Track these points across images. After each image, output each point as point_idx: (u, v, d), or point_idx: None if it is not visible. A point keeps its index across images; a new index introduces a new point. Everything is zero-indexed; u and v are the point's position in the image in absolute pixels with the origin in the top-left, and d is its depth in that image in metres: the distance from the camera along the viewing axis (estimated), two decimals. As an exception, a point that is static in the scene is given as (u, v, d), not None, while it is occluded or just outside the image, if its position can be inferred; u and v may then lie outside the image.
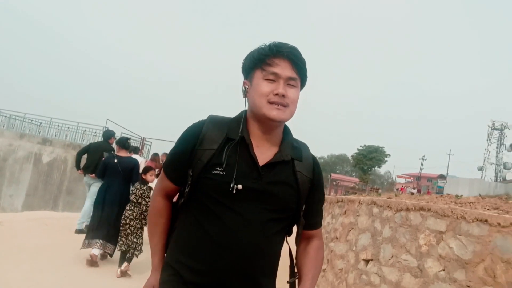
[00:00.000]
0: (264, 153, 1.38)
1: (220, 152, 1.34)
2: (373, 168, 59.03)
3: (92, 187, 7.35)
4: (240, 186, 1.30)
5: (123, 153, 6.04)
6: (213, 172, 1.32)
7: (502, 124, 57.96)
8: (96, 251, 5.32)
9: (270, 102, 1.33)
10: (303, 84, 1.41)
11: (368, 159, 54.16)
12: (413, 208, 4.17)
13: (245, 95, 1.40)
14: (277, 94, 1.32)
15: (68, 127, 16.36)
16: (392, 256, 4.24)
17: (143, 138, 16.06)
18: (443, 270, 3.61)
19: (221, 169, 1.32)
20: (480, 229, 3.44)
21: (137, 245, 5.12)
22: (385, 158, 54.75)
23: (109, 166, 5.82)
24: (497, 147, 58.71)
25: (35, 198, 14.83)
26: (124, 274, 5.09)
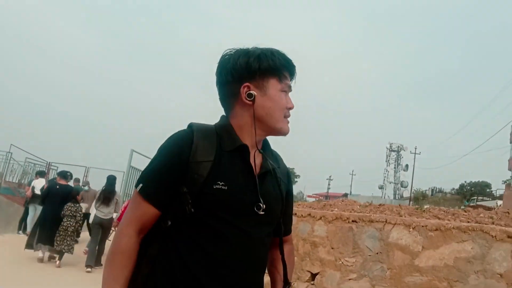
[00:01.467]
0: (255, 162, 1.28)
1: (220, 164, 1.21)
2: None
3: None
4: (264, 206, 1.22)
5: (63, 182, 8.16)
6: (214, 187, 1.18)
7: (398, 146, 64.27)
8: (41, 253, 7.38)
9: (286, 117, 1.30)
10: None
11: (280, 181, 56.16)
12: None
13: (252, 101, 1.25)
14: (290, 108, 1.30)
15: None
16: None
17: (49, 162, 16.10)
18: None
19: (222, 183, 1.18)
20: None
21: (71, 247, 7.30)
22: (295, 179, 57.53)
23: (51, 191, 7.97)
24: (395, 167, 64.83)
25: None
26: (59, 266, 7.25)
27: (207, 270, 1.18)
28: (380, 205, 4.85)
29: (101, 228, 7.79)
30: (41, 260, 7.30)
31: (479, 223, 3.47)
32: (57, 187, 8.00)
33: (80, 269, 7.14)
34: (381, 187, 64.17)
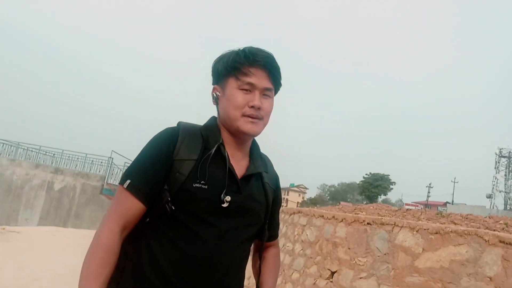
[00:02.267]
0: (238, 164, 1.28)
1: (199, 164, 1.21)
2: (379, 196, 59.47)
3: None
4: (229, 198, 1.20)
5: None
6: (194, 185, 1.18)
7: (510, 152, 58.50)
8: None
9: (245, 115, 1.23)
10: (276, 92, 1.33)
11: (374, 187, 54.83)
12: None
13: (216, 102, 1.29)
14: (252, 107, 1.22)
15: (78, 158, 18.39)
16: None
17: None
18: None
19: (202, 182, 1.19)
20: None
21: None
22: (391, 186, 55.47)
23: None
24: (505, 175, 59.08)
25: (47, 221, 16.58)
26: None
27: (176, 268, 1.17)
28: (407, 210, 4.98)
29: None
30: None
31: (475, 228, 3.55)
32: None
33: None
34: (489, 196, 58.84)
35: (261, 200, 1.33)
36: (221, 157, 1.25)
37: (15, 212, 17.12)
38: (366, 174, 56.45)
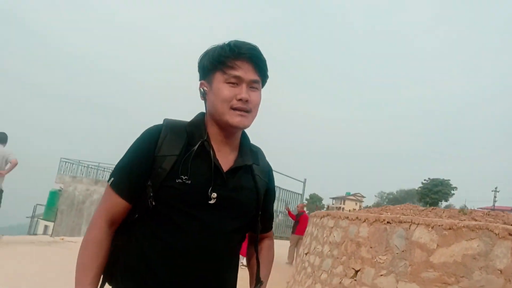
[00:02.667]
0: (225, 157, 1.30)
1: (182, 159, 1.22)
2: (439, 202, 57.22)
3: None
4: (215, 195, 1.22)
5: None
6: (177, 180, 1.20)
7: None
8: None
9: (233, 108, 1.23)
10: (263, 84, 1.32)
11: (434, 193, 52.78)
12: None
13: (203, 97, 1.30)
14: (240, 100, 1.23)
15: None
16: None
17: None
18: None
19: (185, 177, 1.20)
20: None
21: None
22: (452, 191, 53.17)
23: None
24: None
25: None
26: None
27: (163, 261, 1.21)
28: (432, 209, 5.00)
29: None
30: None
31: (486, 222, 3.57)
32: None
33: None
34: None
35: (250, 192, 1.33)
36: (205, 153, 1.26)
37: (78, 225, 18.38)
38: (424, 180, 54.41)
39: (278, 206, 17.40)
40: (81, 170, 20.32)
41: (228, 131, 1.30)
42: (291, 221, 13.74)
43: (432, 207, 5.01)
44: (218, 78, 1.26)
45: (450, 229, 3.72)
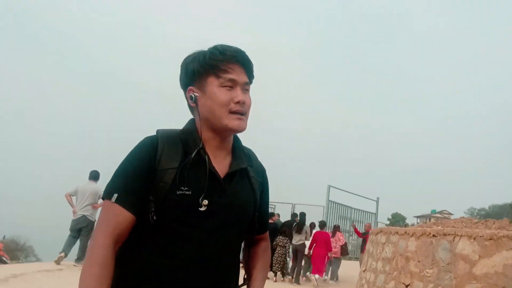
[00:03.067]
0: (220, 163, 1.28)
1: (182, 170, 1.21)
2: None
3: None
4: (206, 202, 1.20)
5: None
6: (178, 193, 1.19)
7: None
8: None
9: (231, 112, 1.23)
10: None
11: (530, 207, 48.18)
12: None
13: (195, 103, 1.26)
14: (238, 102, 1.23)
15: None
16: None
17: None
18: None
19: (186, 188, 1.19)
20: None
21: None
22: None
23: None
24: None
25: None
26: None
27: (167, 271, 1.20)
28: (485, 220, 4.89)
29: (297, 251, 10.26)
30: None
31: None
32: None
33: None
34: None
35: (248, 195, 1.32)
36: (202, 161, 1.24)
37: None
38: (517, 192, 49.79)
39: (349, 226, 17.17)
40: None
41: (224, 135, 1.29)
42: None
43: (486, 219, 4.89)
44: (213, 82, 1.24)
45: (490, 239, 3.69)
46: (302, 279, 10.28)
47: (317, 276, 9.54)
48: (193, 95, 1.27)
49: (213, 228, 1.24)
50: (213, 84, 1.24)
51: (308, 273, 10.46)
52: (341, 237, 11.93)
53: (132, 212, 1.19)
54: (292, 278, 10.08)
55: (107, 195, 1.21)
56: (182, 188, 1.20)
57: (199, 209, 1.21)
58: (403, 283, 4.80)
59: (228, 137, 1.31)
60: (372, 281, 5.67)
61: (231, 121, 1.23)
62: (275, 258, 9.89)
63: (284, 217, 13.77)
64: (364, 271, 6.50)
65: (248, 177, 1.35)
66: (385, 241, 5.57)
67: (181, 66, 1.32)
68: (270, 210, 16.91)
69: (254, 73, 1.32)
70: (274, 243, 9.86)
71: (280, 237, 10.13)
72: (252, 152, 1.46)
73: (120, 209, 1.19)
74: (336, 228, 12.38)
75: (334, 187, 17.21)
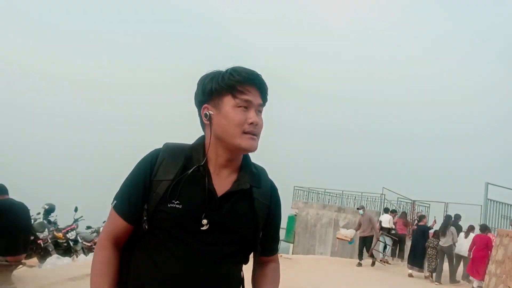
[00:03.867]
0: (222, 181, 1.31)
1: (176, 183, 1.26)
2: None
3: None
4: (205, 221, 1.24)
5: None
6: (169, 205, 1.24)
7: None
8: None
9: (244, 132, 1.26)
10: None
11: None
12: None
13: (209, 121, 1.29)
14: (251, 123, 1.27)
15: (355, 197, 20.66)
16: None
17: (413, 201, 18.28)
18: None
19: (177, 202, 1.24)
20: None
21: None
22: None
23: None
24: None
25: (337, 254, 18.98)
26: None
27: (154, 284, 1.24)
28: None
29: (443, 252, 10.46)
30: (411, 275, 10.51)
31: None
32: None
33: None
34: None
35: (247, 217, 1.32)
36: (201, 177, 1.27)
37: (312, 246, 20.44)
38: None
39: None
40: (311, 196, 22.67)
41: (235, 154, 1.32)
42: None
43: None
44: (229, 102, 1.27)
45: None
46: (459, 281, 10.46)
47: (475, 282, 9.39)
48: (208, 113, 1.30)
49: (201, 246, 1.25)
50: (229, 104, 1.27)
51: (470, 277, 10.33)
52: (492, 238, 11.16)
53: (126, 220, 1.28)
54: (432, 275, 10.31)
55: (112, 202, 1.34)
56: (174, 201, 1.24)
57: (201, 228, 1.24)
58: (509, 286, 4.68)
59: (237, 156, 1.34)
60: (487, 284, 5.53)
61: (244, 141, 1.27)
62: (427, 259, 10.36)
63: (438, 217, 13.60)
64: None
65: (251, 198, 1.34)
66: (499, 243, 5.39)
67: (197, 84, 1.35)
68: (422, 211, 16.55)
69: (268, 97, 1.36)
70: (426, 244, 10.40)
71: (432, 239, 10.53)
72: (264, 172, 1.44)
73: (116, 215, 1.30)
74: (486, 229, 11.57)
75: (492, 184, 15.67)
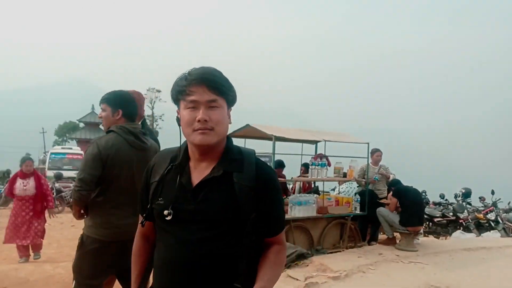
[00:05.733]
0: (200, 172, 1.40)
1: (159, 183, 1.43)
2: None
3: None
4: (165, 212, 1.36)
5: None
6: (156, 202, 1.41)
7: None
8: None
9: (195, 130, 1.34)
10: (230, 100, 1.41)
11: None
12: None
13: (179, 124, 1.40)
14: (199, 121, 1.32)
15: None
16: None
17: None
18: None
19: (161, 198, 1.40)
20: None
21: None
22: None
23: None
24: None
25: None
26: None
27: (157, 270, 1.45)
28: None
29: None
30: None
31: None
32: None
33: None
34: None
35: (225, 201, 1.35)
36: (182, 172, 1.41)
37: None
38: None
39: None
40: None
41: (200, 149, 1.39)
42: None
43: None
44: (182, 105, 1.37)
45: None
46: None
47: None
48: (177, 117, 1.41)
49: (183, 234, 1.36)
50: (182, 107, 1.37)
51: None
52: None
53: (142, 215, 1.52)
54: None
55: None
56: (159, 198, 1.41)
57: (165, 218, 1.37)
58: None
59: (206, 150, 1.39)
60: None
61: (195, 138, 1.34)
62: None
63: None
64: None
65: (231, 183, 1.37)
66: None
67: None
68: None
69: (225, 88, 1.37)
70: None
71: None
72: (250, 156, 1.45)
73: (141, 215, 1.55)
74: None
75: None
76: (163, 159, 1.47)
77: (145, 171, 1.52)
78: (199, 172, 1.40)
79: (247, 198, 1.36)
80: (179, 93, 1.36)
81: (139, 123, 3.00)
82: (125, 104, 2.78)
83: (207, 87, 1.34)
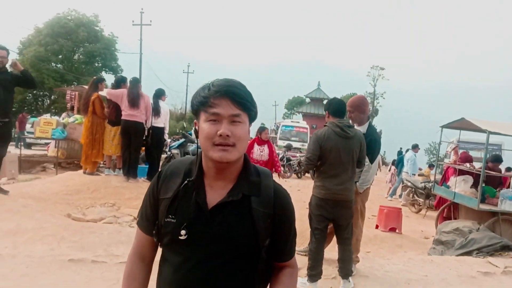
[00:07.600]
0: (216, 192, 1.32)
1: (173, 200, 1.32)
2: None
3: None
4: (183, 232, 1.27)
5: None
6: (166, 220, 1.31)
7: None
8: None
9: (215, 144, 1.26)
10: (252, 117, 1.34)
11: None
12: None
13: (197, 136, 1.34)
14: (220, 135, 1.25)
15: None
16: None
17: None
18: None
19: (172, 216, 1.30)
20: None
21: None
22: None
23: None
24: None
25: None
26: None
27: None
28: None
29: None
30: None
31: None
32: None
33: None
34: None
35: (244, 226, 1.30)
36: (197, 189, 1.31)
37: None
38: None
39: None
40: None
41: (217, 166, 1.31)
42: None
43: None
44: (202, 117, 1.29)
45: None
46: None
47: None
48: (195, 128, 1.35)
49: (196, 257, 1.29)
50: (202, 119, 1.29)
51: None
52: None
53: (147, 234, 1.40)
54: None
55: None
56: (170, 216, 1.31)
57: (179, 237, 1.28)
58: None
59: (224, 168, 1.32)
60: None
61: (214, 153, 1.26)
62: None
63: None
64: None
65: (249, 208, 1.32)
66: None
67: None
68: None
69: (249, 103, 1.31)
70: None
71: None
72: (267, 179, 1.40)
73: (139, 231, 1.44)
74: None
75: None
76: (175, 173, 1.38)
77: (151, 184, 1.42)
78: (216, 191, 1.33)
79: (265, 225, 1.33)
80: (201, 104, 1.29)
81: (367, 122, 4.38)
82: (331, 108, 4.02)
83: (231, 101, 1.28)
